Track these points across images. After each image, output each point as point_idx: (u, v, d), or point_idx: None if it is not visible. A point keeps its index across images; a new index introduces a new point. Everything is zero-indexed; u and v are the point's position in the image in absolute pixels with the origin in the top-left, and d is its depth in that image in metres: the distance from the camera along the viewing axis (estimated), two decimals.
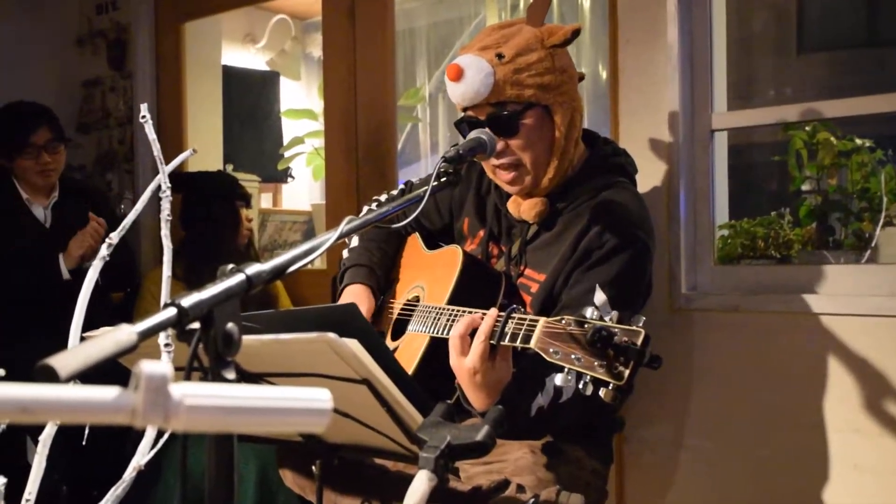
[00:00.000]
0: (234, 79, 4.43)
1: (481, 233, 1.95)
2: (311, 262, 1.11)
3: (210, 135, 3.95)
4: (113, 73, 3.88)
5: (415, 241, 2.08)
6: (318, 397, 0.54)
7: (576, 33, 1.76)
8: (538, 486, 1.65)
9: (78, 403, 0.48)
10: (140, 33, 3.77)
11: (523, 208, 1.83)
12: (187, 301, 0.82)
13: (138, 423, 0.48)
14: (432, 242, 2.05)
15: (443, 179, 1.54)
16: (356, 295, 1.97)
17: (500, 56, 1.73)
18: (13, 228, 2.93)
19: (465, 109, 1.81)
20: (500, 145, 1.75)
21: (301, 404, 0.54)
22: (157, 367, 0.49)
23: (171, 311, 0.81)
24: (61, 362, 0.66)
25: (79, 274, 2.91)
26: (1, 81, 3.60)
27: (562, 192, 1.83)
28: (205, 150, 3.82)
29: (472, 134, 1.67)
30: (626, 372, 1.28)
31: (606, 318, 1.33)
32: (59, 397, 0.47)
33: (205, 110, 3.92)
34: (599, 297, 1.67)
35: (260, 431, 0.48)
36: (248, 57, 4.81)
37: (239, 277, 0.91)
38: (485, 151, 1.67)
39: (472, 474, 1.73)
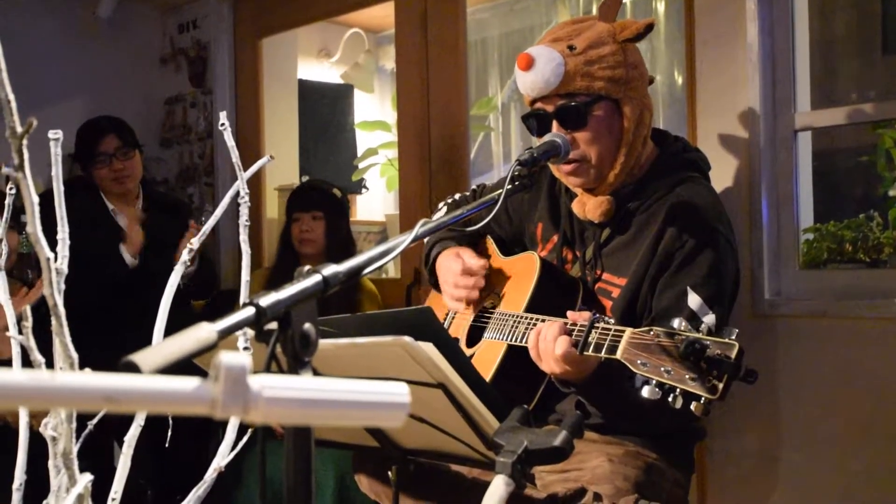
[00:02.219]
0: (309, 92, 4.50)
1: (555, 237, 1.93)
2: (386, 264, 1.11)
3: (286, 147, 4.03)
4: (194, 89, 4.00)
5: (489, 246, 2.07)
6: (397, 391, 0.54)
7: (648, 28, 1.74)
8: (616, 494, 1.62)
9: (160, 393, 0.48)
10: (220, 50, 3.88)
11: (588, 208, 1.80)
12: (265, 300, 0.83)
13: (218, 414, 0.49)
14: (505, 248, 2.03)
15: (517, 183, 1.53)
16: (453, 250, 1.96)
17: (571, 47, 1.72)
18: (100, 238, 3.03)
19: (533, 102, 1.80)
20: (566, 138, 1.73)
21: (379, 398, 0.53)
22: (237, 358, 0.49)
23: (250, 311, 0.82)
24: (144, 358, 0.67)
25: (144, 260, 2.99)
26: (88, 100, 3.75)
27: (632, 191, 1.80)
28: (281, 163, 3.91)
29: (547, 137, 1.66)
30: (721, 386, 1.24)
31: (701, 325, 1.30)
32: (142, 387, 0.48)
33: (281, 123, 4.00)
34: (694, 299, 1.63)
35: (337, 425, 0.48)
36: (322, 71, 4.90)
37: (315, 278, 0.92)
38: (558, 155, 1.66)
39: (549, 482, 1.71)
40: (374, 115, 4.97)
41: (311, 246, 3.16)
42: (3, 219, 1.16)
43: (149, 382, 0.48)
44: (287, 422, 0.50)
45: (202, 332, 0.75)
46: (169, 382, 0.49)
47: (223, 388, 0.49)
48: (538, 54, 1.72)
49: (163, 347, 0.70)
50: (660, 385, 1.31)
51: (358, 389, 0.53)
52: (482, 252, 2.08)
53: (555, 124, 1.75)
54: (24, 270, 3.29)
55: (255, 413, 0.50)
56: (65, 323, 0.86)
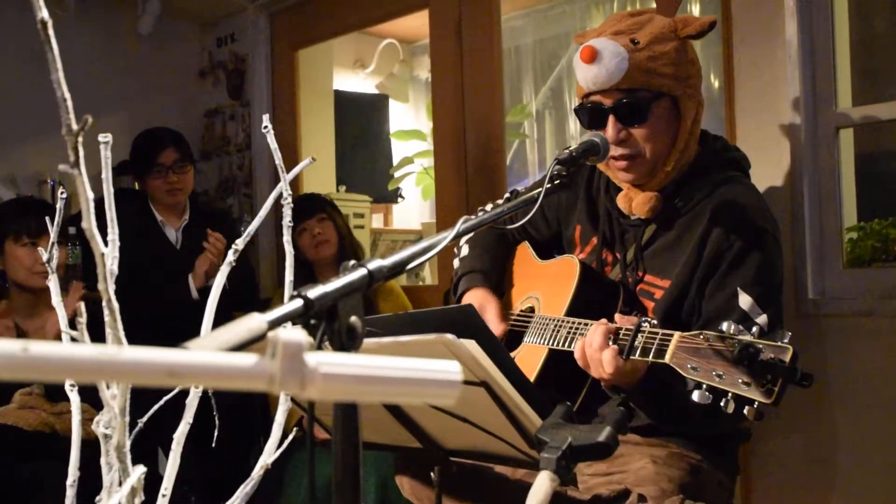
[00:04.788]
0: (345, 103, 4.55)
1: (594, 239, 1.91)
2: (427, 260, 1.12)
3: (323, 157, 4.08)
4: (232, 102, 4.06)
5: (525, 251, 2.07)
6: (449, 369, 0.55)
7: (712, 25, 1.73)
8: (661, 496, 1.61)
9: (220, 368, 0.49)
10: (257, 63, 3.93)
11: (636, 203, 1.78)
12: (313, 293, 0.84)
13: (276, 389, 0.50)
14: (543, 252, 2.03)
15: (556, 182, 1.53)
16: (479, 298, 1.95)
17: (634, 42, 1.70)
18: (147, 248, 3.09)
19: (587, 95, 1.77)
20: (622, 134, 1.72)
21: (432, 375, 0.54)
22: (294, 334, 0.50)
23: (298, 302, 0.83)
24: (198, 345, 0.68)
25: (206, 294, 3.03)
26: (130, 114, 3.83)
27: (676, 189, 1.78)
28: (318, 172, 3.95)
29: (586, 136, 1.65)
30: (776, 390, 1.23)
31: (753, 327, 1.28)
32: (203, 362, 0.49)
33: (318, 134, 4.05)
34: (745, 299, 1.62)
35: (391, 401, 0.49)
36: (358, 81, 4.95)
37: (361, 272, 0.92)
38: (597, 154, 1.64)
39: (592, 485, 1.70)
40: (410, 125, 5.01)
41: (327, 247, 3.16)
42: (56, 223, 1.18)
43: (209, 358, 0.49)
44: (342, 398, 0.50)
45: (253, 323, 0.76)
46: (228, 358, 0.50)
47: (281, 364, 0.50)
48: (602, 47, 1.69)
49: (216, 336, 0.72)
50: (711, 389, 1.30)
51: (411, 367, 0.54)
52: (519, 260, 2.08)
53: (611, 119, 1.72)
54: (70, 281, 3.35)
55: (311, 389, 0.50)
56: (118, 317, 0.88)
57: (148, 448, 2.96)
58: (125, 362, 0.46)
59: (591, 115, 1.76)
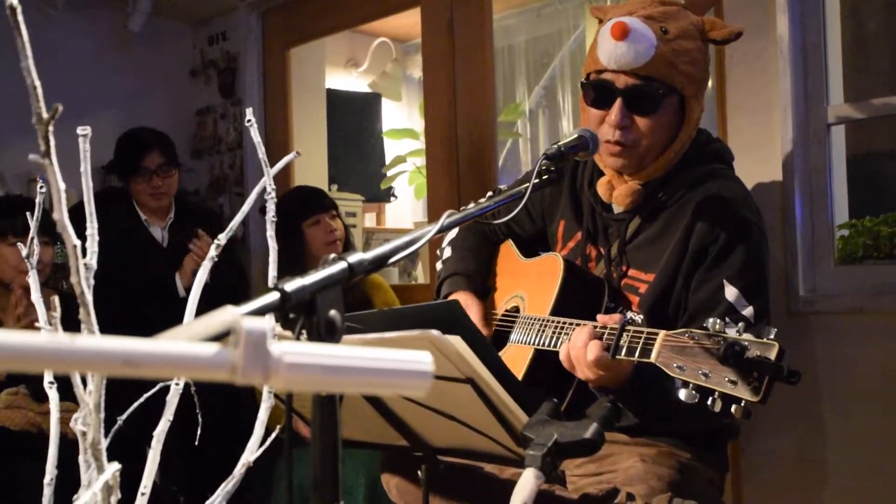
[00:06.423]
0: (337, 101, 4.54)
1: (578, 234, 1.89)
2: (410, 255, 1.11)
3: (315, 156, 4.06)
4: (224, 100, 4.04)
5: (509, 249, 2.04)
6: (420, 359, 0.53)
7: (738, 35, 1.71)
8: (650, 494, 1.59)
9: (179, 358, 0.48)
10: (248, 61, 3.91)
11: (617, 194, 1.76)
12: (290, 285, 0.83)
13: (238, 379, 0.48)
14: (527, 250, 2.01)
15: (544, 177, 1.51)
16: (461, 303, 1.94)
17: (664, 31, 1.67)
18: (133, 247, 3.07)
19: (600, 72, 1.72)
20: (625, 120, 1.69)
21: (402, 366, 0.52)
22: (257, 323, 0.49)
23: (275, 295, 0.81)
24: (167, 337, 0.67)
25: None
26: (120, 113, 3.81)
27: (660, 183, 1.76)
28: (310, 172, 3.93)
29: (576, 132, 1.63)
30: (762, 388, 1.22)
31: (739, 323, 1.27)
32: (161, 351, 0.47)
33: (310, 133, 4.03)
34: (731, 291, 1.60)
35: (359, 392, 0.48)
36: (350, 80, 4.93)
37: (341, 265, 0.91)
38: (587, 150, 1.62)
39: (582, 485, 1.69)
40: (402, 124, 5.00)
41: (339, 247, 3.04)
42: (35, 217, 1.16)
43: (168, 347, 0.48)
44: (308, 388, 0.49)
45: (227, 315, 0.75)
46: (188, 347, 0.48)
47: (243, 353, 0.48)
48: (635, 27, 1.65)
49: (188, 328, 0.70)
50: (697, 388, 1.28)
51: (380, 357, 0.52)
52: (503, 258, 2.06)
53: (619, 101, 1.68)
54: (60, 281, 3.33)
55: (275, 379, 0.49)
56: (92, 312, 0.86)
57: (140, 449, 2.94)
58: (78, 350, 0.45)
59: (598, 92, 1.71)
